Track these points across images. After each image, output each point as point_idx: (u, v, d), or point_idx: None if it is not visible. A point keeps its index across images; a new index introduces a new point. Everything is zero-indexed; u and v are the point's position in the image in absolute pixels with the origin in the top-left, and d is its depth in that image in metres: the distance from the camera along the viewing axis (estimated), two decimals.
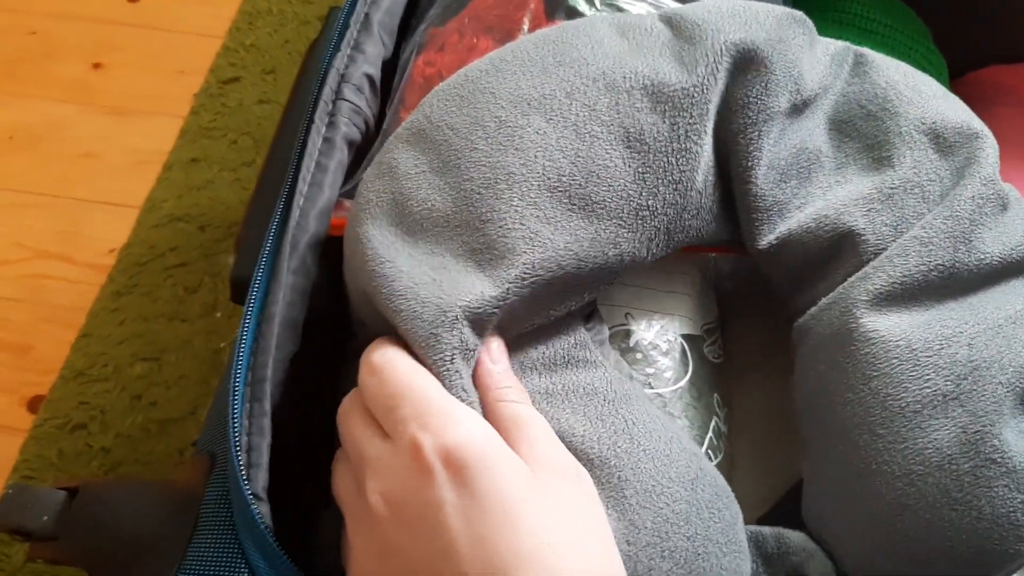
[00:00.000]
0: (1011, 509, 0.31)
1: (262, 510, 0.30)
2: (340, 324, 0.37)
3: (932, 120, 0.36)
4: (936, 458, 0.31)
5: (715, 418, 0.40)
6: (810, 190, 0.37)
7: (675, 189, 0.34)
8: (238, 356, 0.32)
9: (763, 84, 0.35)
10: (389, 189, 0.34)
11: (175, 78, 0.85)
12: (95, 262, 0.75)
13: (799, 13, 0.37)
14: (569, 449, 0.31)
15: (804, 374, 0.36)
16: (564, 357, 0.34)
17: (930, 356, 0.32)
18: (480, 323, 0.31)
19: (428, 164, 0.34)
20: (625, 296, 0.40)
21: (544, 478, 0.28)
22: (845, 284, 0.35)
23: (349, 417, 0.31)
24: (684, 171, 0.34)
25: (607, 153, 0.34)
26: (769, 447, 0.41)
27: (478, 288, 0.31)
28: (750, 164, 0.35)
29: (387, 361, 0.30)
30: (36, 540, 0.31)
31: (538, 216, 0.33)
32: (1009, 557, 0.31)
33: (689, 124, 0.34)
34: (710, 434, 0.39)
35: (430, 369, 0.30)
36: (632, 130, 0.34)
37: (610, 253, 0.34)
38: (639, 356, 0.39)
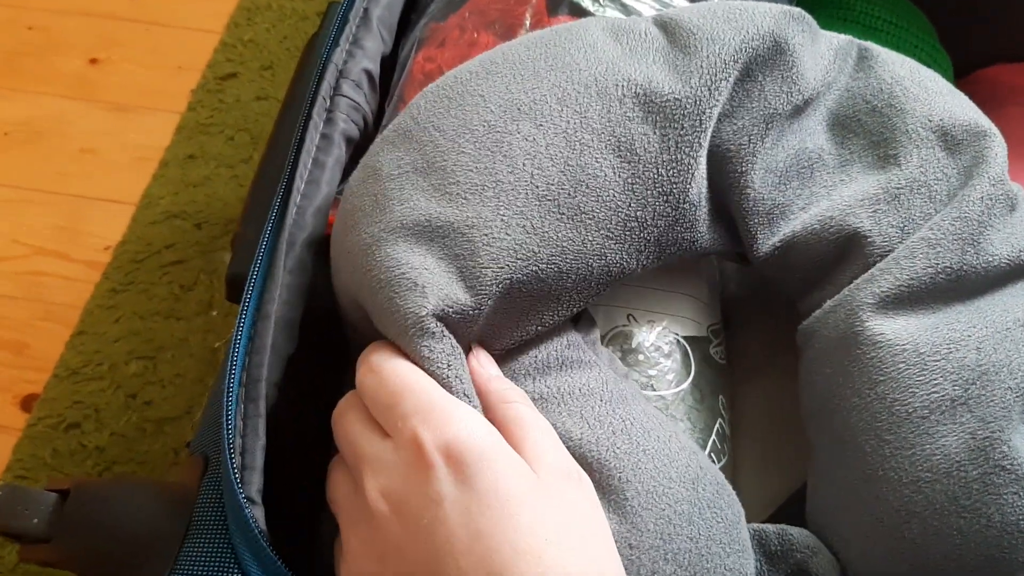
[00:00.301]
0: (1021, 517, 0.30)
1: (256, 514, 0.30)
2: (338, 324, 0.36)
3: (939, 117, 0.36)
4: (944, 464, 0.31)
5: (719, 420, 0.39)
6: (814, 189, 0.36)
7: (666, 201, 0.34)
8: (233, 356, 0.32)
9: (759, 89, 0.35)
10: (372, 191, 0.33)
11: (174, 73, 0.85)
12: (92, 259, 0.74)
13: (797, 10, 0.37)
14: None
15: (809, 378, 0.36)
16: (557, 359, 0.34)
17: (938, 360, 0.32)
18: (462, 328, 0.31)
19: (411, 164, 0.33)
20: (627, 297, 0.39)
21: (546, 478, 0.28)
22: (851, 287, 0.35)
23: (346, 417, 0.31)
24: (675, 183, 0.34)
25: (597, 162, 0.33)
26: (773, 450, 0.41)
27: (459, 295, 0.31)
28: (745, 169, 0.35)
29: (387, 360, 0.30)
30: (27, 542, 0.31)
31: (524, 226, 0.32)
32: (1019, 566, 0.30)
33: (680, 136, 0.34)
34: (713, 437, 0.38)
35: (428, 373, 0.30)
36: (623, 139, 0.33)
37: (594, 264, 0.33)
38: (641, 357, 0.38)
